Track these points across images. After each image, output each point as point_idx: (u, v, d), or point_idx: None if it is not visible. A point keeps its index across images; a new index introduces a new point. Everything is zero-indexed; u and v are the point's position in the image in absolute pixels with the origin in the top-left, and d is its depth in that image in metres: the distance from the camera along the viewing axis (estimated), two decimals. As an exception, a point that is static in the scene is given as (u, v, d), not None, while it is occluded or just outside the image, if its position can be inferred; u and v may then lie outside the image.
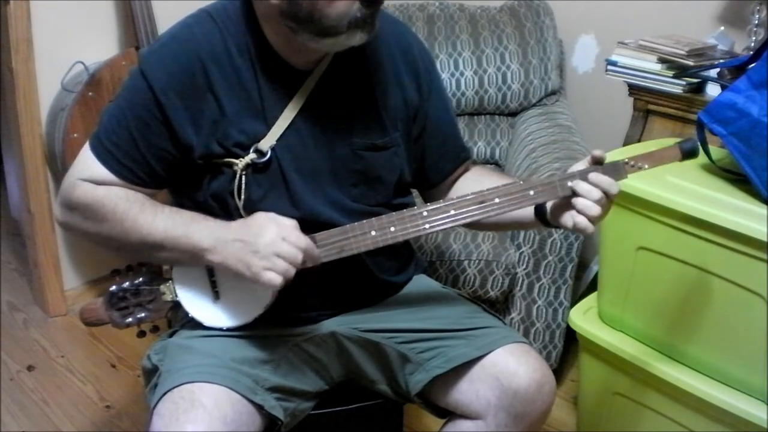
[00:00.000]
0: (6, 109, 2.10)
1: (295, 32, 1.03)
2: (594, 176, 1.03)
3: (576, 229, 1.04)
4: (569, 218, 1.05)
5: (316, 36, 1.02)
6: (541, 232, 1.71)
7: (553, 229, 1.70)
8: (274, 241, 1.00)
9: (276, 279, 1.00)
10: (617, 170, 1.05)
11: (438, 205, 1.06)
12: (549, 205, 1.10)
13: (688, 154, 1.07)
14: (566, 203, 1.05)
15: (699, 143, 1.12)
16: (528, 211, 1.12)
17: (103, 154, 1.08)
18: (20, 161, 2.09)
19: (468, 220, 1.06)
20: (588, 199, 1.02)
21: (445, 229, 1.08)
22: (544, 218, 1.11)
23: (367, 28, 1.02)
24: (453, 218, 1.05)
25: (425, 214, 1.05)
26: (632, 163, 1.05)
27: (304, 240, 1.02)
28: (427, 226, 1.05)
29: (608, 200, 1.04)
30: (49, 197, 2.13)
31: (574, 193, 1.03)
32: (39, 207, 2.13)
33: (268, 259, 1.00)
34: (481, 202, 1.05)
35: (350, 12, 0.99)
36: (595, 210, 1.02)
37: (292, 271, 1.01)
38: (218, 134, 1.08)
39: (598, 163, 1.05)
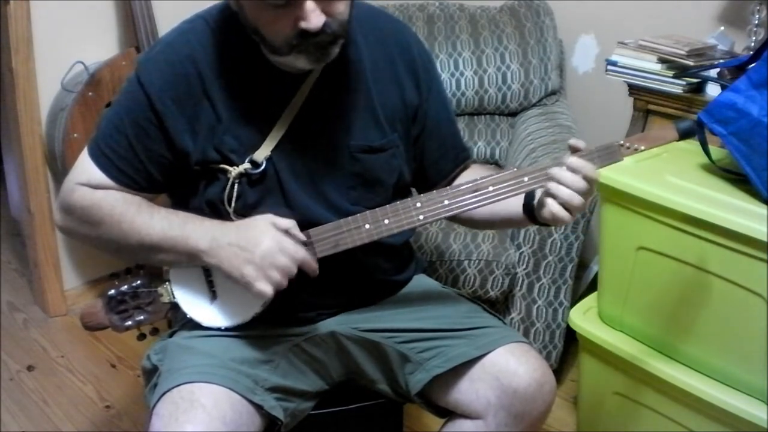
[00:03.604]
0: (6, 109, 2.10)
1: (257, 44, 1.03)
2: (573, 161, 0.99)
3: (554, 218, 1.01)
4: (547, 209, 1.02)
5: (268, 52, 1.02)
6: (541, 232, 1.71)
7: (553, 229, 1.70)
8: (271, 251, 1.01)
9: (268, 290, 1.01)
10: (612, 152, 1.03)
11: (432, 196, 1.05)
12: (536, 202, 1.08)
13: (685, 134, 1.05)
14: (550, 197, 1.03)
15: (696, 125, 1.09)
16: (517, 208, 1.12)
17: (101, 159, 1.08)
18: (20, 161, 2.09)
19: (463, 210, 1.04)
20: (562, 183, 0.99)
21: (439, 219, 1.07)
22: (532, 214, 1.10)
23: (311, 56, 0.99)
24: (447, 208, 1.04)
25: (419, 205, 1.05)
26: (627, 144, 1.03)
27: (301, 253, 1.03)
28: (421, 217, 1.05)
29: (589, 187, 1.00)
30: (49, 197, 2.13)
31: (553, 182, 1.00)
32: (39, 207, 2.13)
33: (262, 269, 1.01)
34: (476, 191, 1.04)
35: (288, 37, 0.97)
36: (566, 193, 0.99)
37: (286, 282, 1.02)
38: (215, 140, 1.08)
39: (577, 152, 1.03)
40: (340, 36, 1.00)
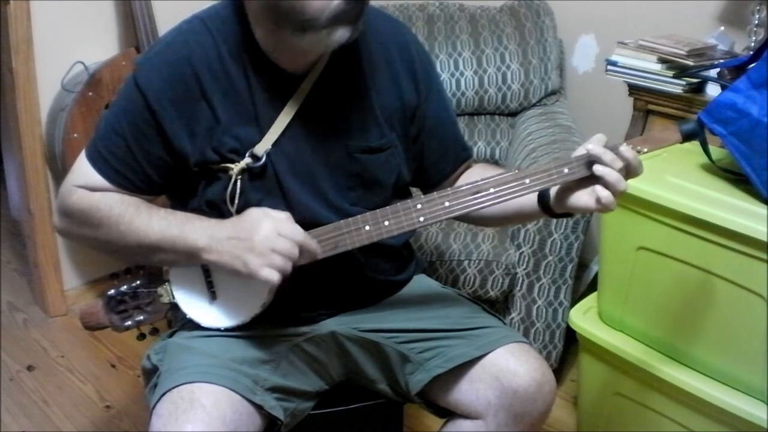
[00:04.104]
0: (6, 109, 2.10)
1: (277, 29, 0.99)
2: (624, 148, 1.00)
3: (599, 205, 1.00)
4: (587, 196, 1.01)
5: (297, 31, 0.97)
6: (541, 233, 1.71)
7: (553, 229, 1.70)
8: (269, 236, 1.00)
9: (273, 275, 1.00)
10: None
11: (432, 198, 1.04)
12: (552, 193, 1.08)
13: (688, 136, 1.05)
14: (574, 186, 1.03)
15: (699, 126, 1.09)
16: (531, 202, 1.11)
17: (99, 162, 1.08)
18: (20, 161, 2.09)
19: (463, 211, 1.04)
20: (615, 168, 0.98)
21: (440, 221, 1.07)
22: (547, 207, 1.10)
23: (350, 24, 0.96)
24: (448, 210, 1.04)
25: (419, 206, 1.04)
26: (631, 146, 1.03)
27: (300, 233, 1.02)
28: (421, 218, 1.04)
29: (630, 176, 1.01)
30: (49, 197, 2.13)
31: (599, 164, 0.99)
32: (39, 207, 2.13)
33: (264, 255, 1.00)
34: (476, 193, 1.03)
35: (330, 5, 0.94)
36: (614, 176, 0.98)
37: (290, 266, 1.01)
38: (213, 141, 1.07)
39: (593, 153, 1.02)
40: (365, 6, 0.98)
